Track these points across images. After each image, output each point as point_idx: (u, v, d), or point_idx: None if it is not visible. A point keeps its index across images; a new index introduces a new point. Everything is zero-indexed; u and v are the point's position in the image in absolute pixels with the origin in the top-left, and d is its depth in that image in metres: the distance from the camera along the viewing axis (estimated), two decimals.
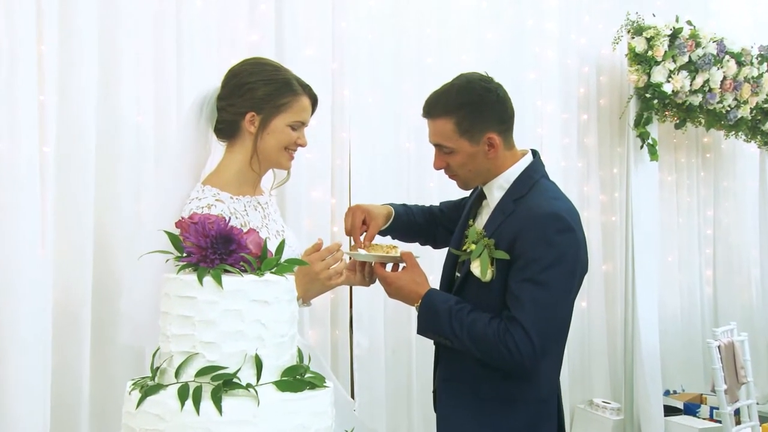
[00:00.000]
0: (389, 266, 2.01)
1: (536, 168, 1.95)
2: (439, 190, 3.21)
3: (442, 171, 1.98)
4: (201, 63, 2.53)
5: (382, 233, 2.18)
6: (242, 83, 1.82)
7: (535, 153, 1.98)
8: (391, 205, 2.19)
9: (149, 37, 2.43)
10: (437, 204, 2.33)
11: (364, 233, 2.05)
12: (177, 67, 2.50)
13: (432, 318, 1.88)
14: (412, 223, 2.22)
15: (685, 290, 4.67)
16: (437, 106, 1.90)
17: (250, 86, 1.81)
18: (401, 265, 1.99)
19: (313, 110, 1.92)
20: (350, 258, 2.02)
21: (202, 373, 1.23)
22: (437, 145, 1.93)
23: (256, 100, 1.81)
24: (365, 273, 2.02)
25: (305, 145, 1.90)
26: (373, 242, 2.03)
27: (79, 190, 2.23)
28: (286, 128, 1.84)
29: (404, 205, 2.25)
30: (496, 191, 1.93)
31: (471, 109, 1.86)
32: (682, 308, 4.62)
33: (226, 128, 1.86)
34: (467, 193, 2.16)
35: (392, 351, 3.13)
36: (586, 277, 1.94)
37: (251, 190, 1.89)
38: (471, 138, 1.87)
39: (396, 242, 2.22)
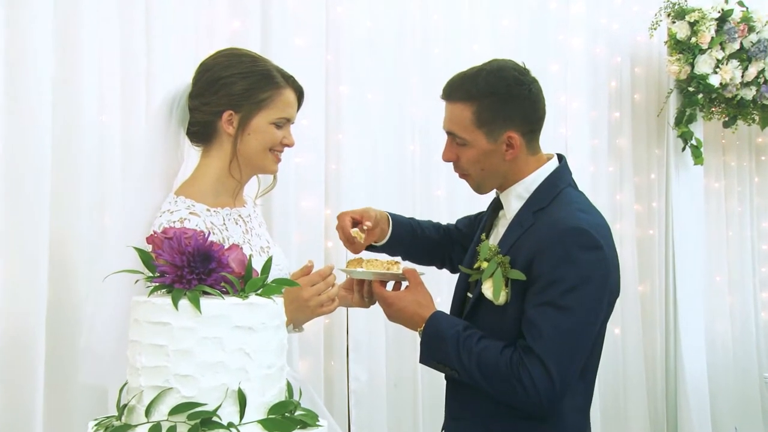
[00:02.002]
0: (390, 285, 2.03)
1: (561, 175, 1.96)
2: (448, 198, 3.23)
3: (452, 181, 2.00)
4: (175, 54, 2.56)
5: (385, 248, 2.20)
6: (216, 78, 1.84)
7: (561, 158, 2.00)
8: (390, 214, 2.21)
9: (114, 22, 2.45)
10: (449, 221, 2.35)
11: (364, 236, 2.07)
12: (147, 57, 2.52)
13: (437, 345, 1.89)
14: (421, 237, 2.24)
15: (737, 315, 4.66)
16: (459, 88, 1.92)
17: (225, 81, 1.84)
18: (404, 284, 2.01)
19: (299, 105, 1.95)
20: (347, 276, 2.05)
21: (176, 410, 1.24)
22: (450, 134, 1.96)
23: (234, 96, 1.83)
24: (364, 293, 2.04)
25: (292, 144, 1.93)
26: (373, 257, 2.05)
27: (33, 200, 2.23)
28: (270, 126, 1.87)
29: (410, 219, 2.28)
30: (514, 201, 1.95)
31: (495, 100, 1.89)
32: (734, 336, 4.61)
33: (201, 131, 1.89)
34: (483, 205, 2.18)
35: (395, 384, 3.14)
36: (619, 299, 1.96)
37: (231, 201, 1.92)
38: (489, 133, 1.90)
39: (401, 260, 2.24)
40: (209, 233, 1.41)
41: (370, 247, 2.22)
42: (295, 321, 1.86)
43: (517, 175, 1.95)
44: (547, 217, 1.87)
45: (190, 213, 1.79)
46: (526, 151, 1.94)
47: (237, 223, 1.91)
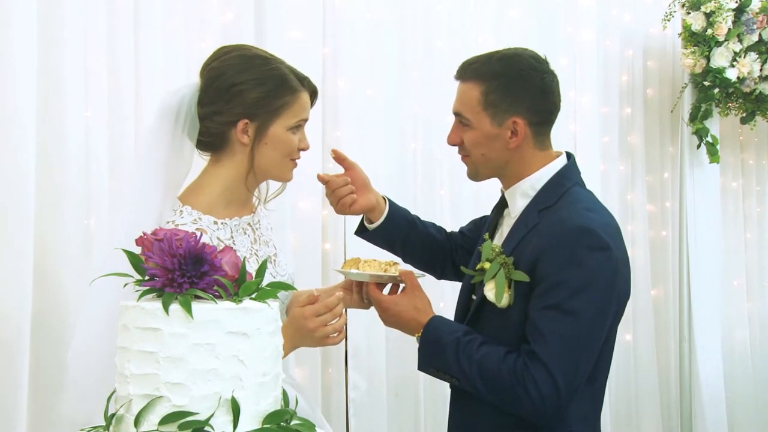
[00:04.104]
0: (388, 288, 2.04)
1: (568, 173, 1.98)
2: (451, 199, 3.23)
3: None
4: (164, 47, 2.57)
5: (382, 232, 2.17)
6: (229, 85, 1.81)
7: (570, 156, 2.02)
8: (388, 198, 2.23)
9: (101, 13, 2.45)
10: (452, 223, 2.36)
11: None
12: (135, 51, 2.53)
13: (435, 351, 1.91)
14: (422, 230, 2.24)
15: (756, 322, 4.65)
16: (471, 67, 1.97)
17: (238, 88, 1.81)
18: (401, 287, 2.02)
19: (312, 104, 1.94)
20: (346, 277, 2.06)
21: (167, 420, 1.25)
22: (456, 114, 1.99)
23: (249, 105, 1.81)
24: (363, 294, 2.06)
25: (307, 148, 1.93)
26: (371, 258, 2.06)
27: (15, 203, 2.24)
28: (287, 133, 1.86)
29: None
30: (519, 199, 1.97)
31: (505, 83, 1.92)
32: (752, 344, 4.61)
33: (213, 141, 1.86)
34: (488, 206, 2.19)
35: (396, 393, 3.14)
36: (630, 304, 1.96)
37: (240, 210, 1.91)
38: (494, 116, 1.93)
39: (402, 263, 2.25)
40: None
41: (364, 233, 2.22)
42: (294, 348, 1.86)
43: (522, 170, 1.96)
44: (553, 216, 1.88)
45: (197, 229, 1.78)
46: (533, 143, 1.95)
47: (245, 233, 1.91)
